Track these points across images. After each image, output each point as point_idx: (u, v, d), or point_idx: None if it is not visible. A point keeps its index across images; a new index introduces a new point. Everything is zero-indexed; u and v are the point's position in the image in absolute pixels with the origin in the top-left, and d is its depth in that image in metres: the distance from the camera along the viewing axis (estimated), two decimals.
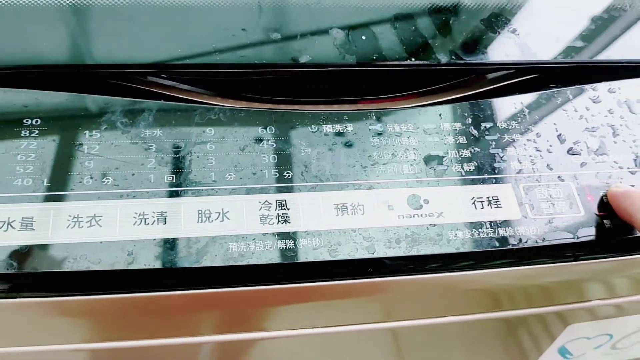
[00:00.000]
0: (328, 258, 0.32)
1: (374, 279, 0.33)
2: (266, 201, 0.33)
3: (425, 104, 0.39)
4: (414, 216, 0.34)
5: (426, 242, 0.33)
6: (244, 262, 0.31)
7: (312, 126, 0.36)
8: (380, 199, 0.34)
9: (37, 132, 0.33)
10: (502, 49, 0.41)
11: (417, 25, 0.41)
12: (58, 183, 0.32)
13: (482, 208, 0.34)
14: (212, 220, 0.32)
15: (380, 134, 0.36)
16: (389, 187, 0.34)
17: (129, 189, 0.32)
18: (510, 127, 0.37)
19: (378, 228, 0.33)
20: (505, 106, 0.38)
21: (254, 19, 0.39)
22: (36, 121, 0.33)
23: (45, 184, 0.32)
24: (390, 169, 0.35)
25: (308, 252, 0.32)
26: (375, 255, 0.32)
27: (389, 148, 0.36)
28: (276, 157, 0.34)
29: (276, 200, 0.33)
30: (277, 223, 0.32)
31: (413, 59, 0.39)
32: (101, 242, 0.30)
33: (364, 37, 0.40)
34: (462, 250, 0.33)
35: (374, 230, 0.33)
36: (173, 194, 0.32)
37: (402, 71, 0.39)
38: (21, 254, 0.29)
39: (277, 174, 0.34)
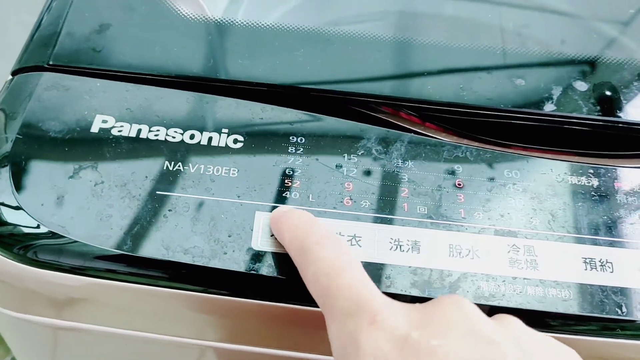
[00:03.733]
0: (577, 312, 0.32)
1: (617, 340, 0.32)
2: (514, 245, 0.33)
3: None
4: None
5: None
6: (495, 303, 0.31)
7: (558, 175, 0.36)
8: (631, 259, 0.33)
9: (301, 149, 0.35)
10: None
11: None
12: (322, 200, 0.34)
13: None
14: (463, 257, 0.33)
15: (627, 192, 0.35)
16: (638, 249, 0.34)
17: (384, 214, 0.34)
18: None
19: (629, 289, 0.32)
20: None
21: (499, 63, 0.40)
22: (300, 139, 0.36)
23: (310, 199, 0.34)
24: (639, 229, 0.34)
25: (557, 303, 0.32)
26: (627, 317, 0.32)
27: (639, 208, 0.35)
28: (522, 201, 0.35)
29: (524, 245, 0.33)
30: (526, 268, 0.33)
31: None
32: (361, 262, 0.32)
33: (608, 93, 0.39)
34: None
35: (625, 290, 0.32)
36: (425, 225, 0.33)
37: None
38: (290, 262, 0.31)
39: (523, 219, 0.34)
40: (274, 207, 0.33)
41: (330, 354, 0.27)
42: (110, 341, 0.38)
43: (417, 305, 0.26)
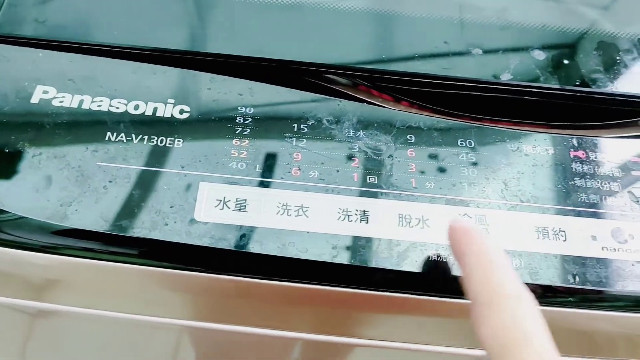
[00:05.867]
0: (529, 280, 0.31)
1: (570, 309, 0.32)
2: (465, 214, 0.33)
3: (625, 136, 0.37)
4: (618, 250, 0.32)
5: (631, 279, 0.31)
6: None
7: (512, 144, 0.35)
8: (584, 228, 0.33)
9: (250, 120, 0.34)
10: None
11: (622, 56, 0.39)
12: (269, 170, 0.33)
13: None
14: (413, 226, 0.32)
15: (581, 161, 0.35)
16: (594, 217, 0.33)
17: (333, 184, 0.33)
18: None
19: (580, 257, 0.32)
20: None
21: (457, 33, 0.40)
22: (249, 109, 0.35)
23: (257, 169, 0.33)
24: (594, 198, 0.34)
25: None
26: (579, 286, 0.31)
27: (593, 177, 0.34)
28: (475, 171, 0.34)
29: (476, 215, 0.33)
30: None
31: (617, 89, 0.38)
32: (308, 233, 0.31)
33: (566, 62, 0.39)
34: None
35: (577, 258, 0.32)
36: (375, 195, 0.33)
37: (605, 99, 0.37)
38: (234, 233, 0.31)
39: (475, 188, 0.33)
40: (219, 178, 0.32)
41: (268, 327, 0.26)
42: (57, 320, 0.37)
43: None
